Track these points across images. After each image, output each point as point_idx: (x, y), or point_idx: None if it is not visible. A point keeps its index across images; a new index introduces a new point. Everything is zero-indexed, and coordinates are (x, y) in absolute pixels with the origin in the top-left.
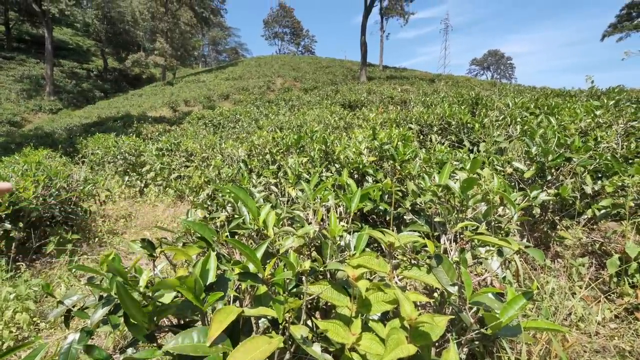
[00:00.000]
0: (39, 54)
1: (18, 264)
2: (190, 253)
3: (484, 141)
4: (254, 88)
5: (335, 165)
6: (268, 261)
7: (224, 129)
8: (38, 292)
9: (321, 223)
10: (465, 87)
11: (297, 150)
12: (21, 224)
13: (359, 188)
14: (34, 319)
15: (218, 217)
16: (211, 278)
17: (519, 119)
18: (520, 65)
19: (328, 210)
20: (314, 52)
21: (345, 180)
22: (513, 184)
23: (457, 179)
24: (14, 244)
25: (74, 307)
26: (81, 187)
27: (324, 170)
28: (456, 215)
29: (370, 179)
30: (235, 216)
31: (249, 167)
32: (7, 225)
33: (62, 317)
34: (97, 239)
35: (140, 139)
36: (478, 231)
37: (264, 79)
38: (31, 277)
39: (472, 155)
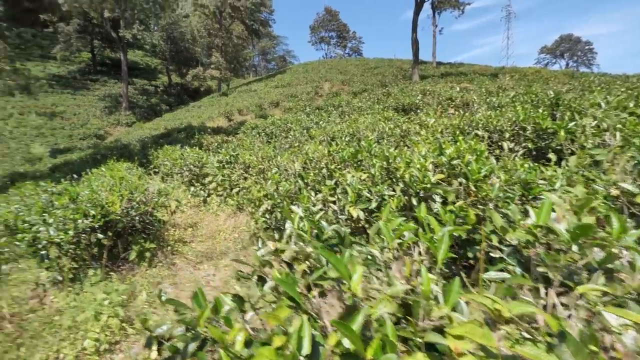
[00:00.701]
0: (117, 74)
1: (107, 269)
2: (281, 316)
3: (573, 153)
4: (302, 94)
5: (399, 184)
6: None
7: (276, 138)
8: (124, 297)
9: (407, 276)
10: (536, 81)
11: (355, 164)
12: (110, 234)
13: (445, 229)
14: (123, 324)
15: (298, 266)
16: (306, 349)
17: (618, 125)
18: (602, 49)
19: (401, 246)
20: (361, 54)
21: (422, 215)
22: (620, 208)
23: (546, 203)
24: (104, 252)
25: (164, 337)
26: (156, 200)
27: (385, 188)
28: (566, 265)
29: (438, 200)
30: (317, 266)
31: (305, 180)
32: (100, 235)
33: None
34: (169, 247)
35: (202, 151)
36: (601, 287)
37: (312, 85)
38: (118, 282)
39: (559, 171)
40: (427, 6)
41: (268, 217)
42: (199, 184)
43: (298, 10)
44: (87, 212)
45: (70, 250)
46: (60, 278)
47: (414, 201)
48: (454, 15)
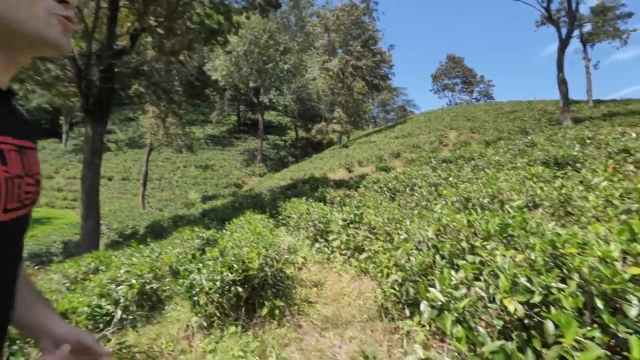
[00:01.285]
0: (255, 132)
1: (243, 322)
2: None
3: None
4: (424, 144)
5: (573, 276)
6: None
7: (401, 195)
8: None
9: None
10: None
11: (503, 240)
12: (248, 288)
13: None
14: None
15: None
16: None
17: None
18: None
19: None
20: (492, 97)
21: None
22: None
23: None
24: (242, 305)
25: None
26: (286, 257)
27: (552, 279)
28: None
29: (636, 304)
30: None
31: (440, 252)
32: (239, 289)
33: None
34: (296, 306)
35: (326, 206)
36: None
37: (435, 134)
38: (252, 337)
39: None
40: (574, 40)
41: (398, 288)
42: (323, 240)
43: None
44: (231, 266)
45: (215, 300)
46: (205, 324)
47: (599, 303)
48: (613, 45)
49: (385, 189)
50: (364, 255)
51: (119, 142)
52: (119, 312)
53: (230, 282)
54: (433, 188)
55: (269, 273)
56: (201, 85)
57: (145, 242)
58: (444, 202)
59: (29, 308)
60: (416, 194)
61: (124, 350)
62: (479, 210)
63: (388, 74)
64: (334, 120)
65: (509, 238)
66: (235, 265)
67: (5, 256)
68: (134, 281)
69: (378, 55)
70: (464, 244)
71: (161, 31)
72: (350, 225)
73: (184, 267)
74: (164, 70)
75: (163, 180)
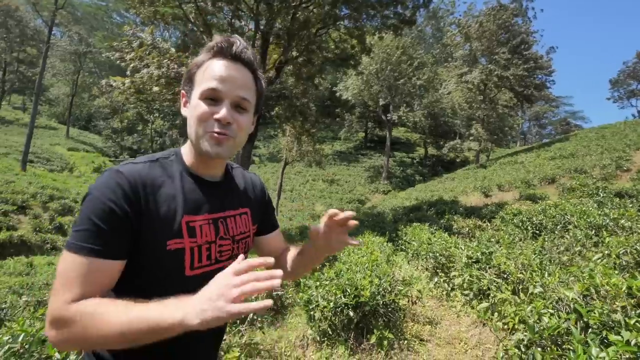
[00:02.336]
0: (381, 149)
1: (351, 345)
2: None
3: None
4: (593, 169)
5: None
6: None
7: (547, 234)
8: None
9: None
10: None
11: None
12: (359, 313)
13: None
14: None
15: None
16: None
17: None
18: None
19: None
20: None
21: None
22: None
23: None
24: (352, 329)
25: None
26: (400, 288)
27: None
28: None
29: None
30: None
31: (585, 319)
32: (351, 313)
33: None
34: (406, 341)
35: (451, 237)
36: None
37: (611, 155)
38: None
39: None
40: None
41: (523, 350)
42: (443, 275)
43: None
44: (345, 290)
45: (329, 318)
46: (318, 338)
47: None
48: None
49: (528, 223)
50: (485, 304)
51: (262, 156)
52: (251, 313)
53: (343, 305)
54: (594, 231)
55: (381, 302)
56: (333, 104)
57: None
58: (606, 253)
59: (298, 261)
60: (568, 236)
61: (252, 345)
62: None
63: (545, 81)
64: (471, 137)
65: None
66: (349, 290)
67: None
68: None
69: (532, 62)
70: (619, 316)
71: (300, 60)
72: (476, 265)
73: (303, 282)
74: (301, 94)
75: (294, 192)
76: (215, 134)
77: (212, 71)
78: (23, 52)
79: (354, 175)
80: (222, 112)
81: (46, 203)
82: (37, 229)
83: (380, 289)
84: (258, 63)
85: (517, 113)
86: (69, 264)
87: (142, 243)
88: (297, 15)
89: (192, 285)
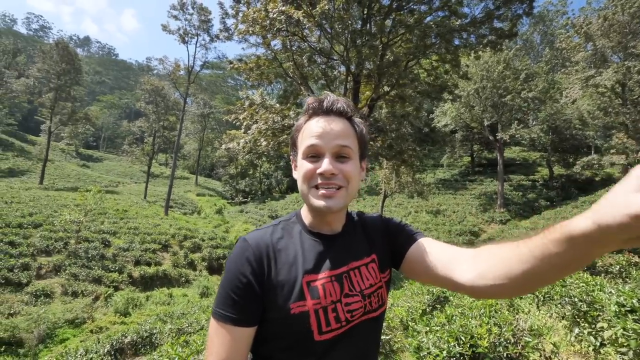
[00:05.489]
0: (493, 173)
1: None
2: None
3: None
4: None
5: None
6: None
7: None
8: None
9: None
10: None
11: None
12: None
13: None
14: None
15: None
16: None
17: None
18: None
19: None
20: None
21: None
22: None
23: None
24: None
25: None
26: (528, 339)
27: None
28: None
29: None
30: None
31: None
32: None
33: None
34: None
35: (595, 277)
36: None
37: None
38: None
39: None
40: None
41: None
42: (586, 324)
43: None
44: (458, 337)
45: None
46: None
47: None
48: None
49: None
50: None
51: (360, 190)
52: None
53: (458, 355)
54: None
55: (504, 355)
56: (431, 132)
57: None
58: None
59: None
60: None
61: None
62: None
63: None
64: (612, 150)
65: None
66: (463, 338)
67: None
68: None
69: None
70: None
71: (392, 95)
72: (632, 314)
73: (412, 326)
74: (395, 130)
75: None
76: (323, 190)
77: (309, 130)
78: (166, 120)
79: (462, 204)
80: (324, 164)
81: (182, 242)
82: (175, 264)
83: (502, 339)
84: (353, 109)
85: None
86: (213, 329)
87: (267, 309)
88: (386, 55)
89: (324, 352)
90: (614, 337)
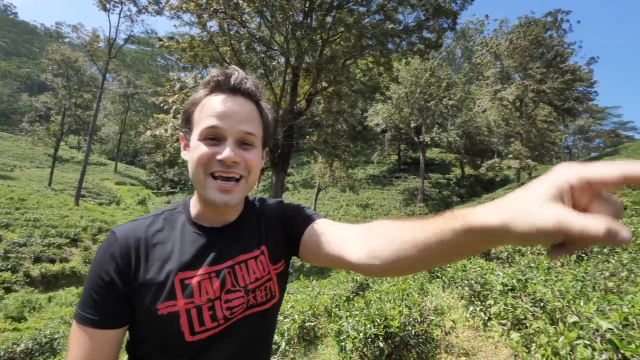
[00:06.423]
0: (415, 171)
1: None
2: None
3: None
4: None
5: None
6: None
7: (592, 257)
8: None
9: None
10: None
11: None
12: (390, 344)
13: None
14: None
15: None
16: None
17: None
18: None
19: None
20: None
21: None
22: None
23: None
24: None
25: None
26: (432, 318)
27: None
28: None
29: None
30: None
31: (621, 351)
32: (381, 344)
33: None
34: None
35: (488, 263)
36: None
37: None
38: None
39: None
40: None
41: None
42: (479, 303)
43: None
44: (374, 320)
45: (360, 349)
46: None
47: None
48: None
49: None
50: (516, 335)
51: (295, 183)
52: (283, 344)
53: (373, 335)
54: (625, 267)
55: (412, 332)
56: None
57: (309, 277)
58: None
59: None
60: (614, 260)
61: None
62: None
63: (587, 93)
64: (510, 155)
65: None
66: (378, 320)
67: None
68: (296, 316)
69: (569, 74)
70: None
71: (329, 92)
72: (511, 293)
73: (334, 312)
74: (331, 125)
75: (328, 217)
76: (222, 183)
77: (210, 108)
78: (80, 97)
79: (388, 198)
80: (226, 151)
81: (95, 235)
82: (87, 260)
83: (411, 319)
84: (262, 92)
85: (559, 127)
86: (73, 333)
87: (136, 310)
88: (325, 50)
89: (198, 352)
90: (498, 311)
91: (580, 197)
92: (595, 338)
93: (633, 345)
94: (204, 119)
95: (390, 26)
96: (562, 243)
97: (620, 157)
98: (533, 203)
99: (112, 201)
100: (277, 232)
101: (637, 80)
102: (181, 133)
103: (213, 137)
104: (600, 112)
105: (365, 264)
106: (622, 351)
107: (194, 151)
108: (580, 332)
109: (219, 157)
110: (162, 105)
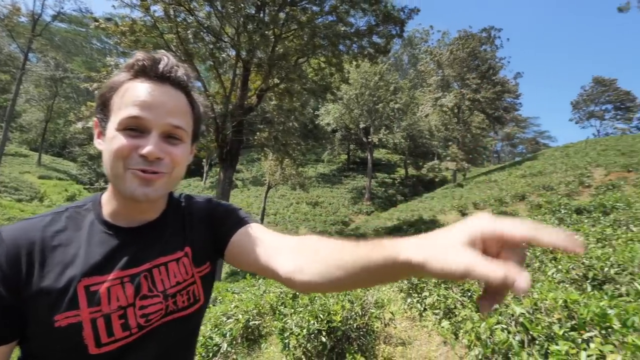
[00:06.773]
0: (364, 170)
1: None
2: None
3: None
4: (558, 185)
5: None
6: None
7: None
8: None
9: None
10: None
11: (602, 332)
12: (333, 338)
13: None
14: None
15: None
16: None
17: None
18: None
19: None
20: None
21: None
22: None
23: None
24: (326, 355)
25: None
26: (372, 311)
27: None
28: None
29: None
30: None
31: (531, 334)
32: (324, 339)
33: None
34: None
35: None
36: None
37: (574, 172)
38: None
39: None
40: None
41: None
42: (416, 295)
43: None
44: (317, 315)
45: (303, 345)
46: None
47: None
48: None
49: None
50: (446, 323)
51: (245, 180)
52: (225, 345)
53: (316, 331)
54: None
55: (354, 326)
56: (314, 128)
57: (255, 276)
58: (559, 268)
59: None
60: (529, 253)
61: None
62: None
63: (514, 104)
64: (448, 158)
65: (609, 330)
66: (321, 315)
67: None
68: (240, 316)
69: (499, 86)
70: (557, 328)
71: (281, 88)
72: (444, 284)
73: (279, 309)
74: (282, 122)
75: (278, 215)
76: (141, 172)
77: (132, 95)
78: None
79: (337, 197)
80: (149, 147)
81: None
82: None
83: (353, 313)
84: (194, 81)
85: (490, 134)
86: None
87: (29, 323)
88: (277, 47)
89: None
90: (432, 302)
91: (491, 245)
92: (511, 322)
93: (539, 327)
94: (125, 107)
95: (342, 28)
96: (485, 294)
97: (538, 162)
98: (449, 247)
99: (34, 197)
100: (204, 232)
101: (552, 95)
102: (95, 119)
103: (134, 128)
104: (524, 122)
105: (292, 279)
106: (530, 332)
107: (111, 142)
108: (500, 317)
109: (142, 151)
110: (96, 92)
